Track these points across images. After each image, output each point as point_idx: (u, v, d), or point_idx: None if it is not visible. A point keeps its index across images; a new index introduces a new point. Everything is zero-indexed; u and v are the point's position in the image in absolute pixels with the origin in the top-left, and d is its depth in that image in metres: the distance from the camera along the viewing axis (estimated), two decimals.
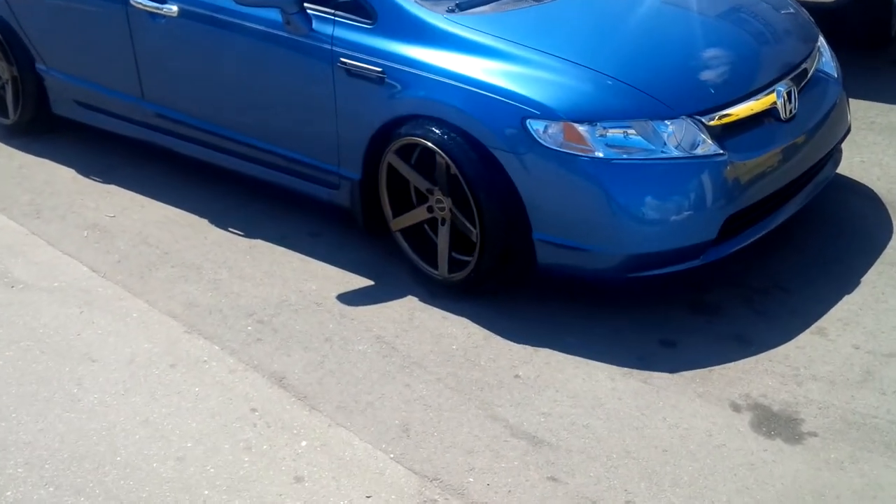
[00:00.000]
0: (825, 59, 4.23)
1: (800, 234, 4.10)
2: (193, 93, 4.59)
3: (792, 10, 4.39)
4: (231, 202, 4.72)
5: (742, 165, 3.56)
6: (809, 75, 4.01)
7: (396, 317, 3.80)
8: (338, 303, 3.90)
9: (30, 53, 5.27)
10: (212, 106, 4.54)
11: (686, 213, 3.51)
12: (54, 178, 5.07)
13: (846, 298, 3.73)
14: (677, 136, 3.47)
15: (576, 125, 3.44)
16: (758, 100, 3.70)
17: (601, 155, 3.42)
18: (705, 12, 4.10)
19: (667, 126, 3.47)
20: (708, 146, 3.50)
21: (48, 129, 5.50)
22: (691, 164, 3.48)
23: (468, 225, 3.74)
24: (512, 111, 3.50)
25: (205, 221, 4.58)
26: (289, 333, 3.72)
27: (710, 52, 3.84)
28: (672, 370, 3.44)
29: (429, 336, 3.68)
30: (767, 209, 3.80)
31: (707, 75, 3.74)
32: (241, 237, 4.43)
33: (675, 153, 3.46)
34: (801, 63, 3.96)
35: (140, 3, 4.49)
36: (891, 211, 4.34)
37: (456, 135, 3.64)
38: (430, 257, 3.97)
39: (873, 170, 4.68)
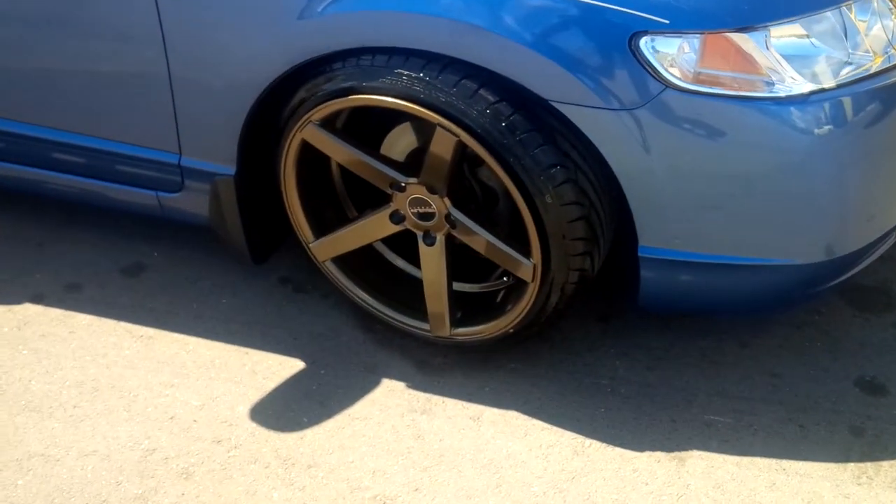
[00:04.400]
0: None
1: None
2: None
3: None
4: None
5: None
6: None
7: (390, 440, 1.99)
8: (261, 430, 2.01)
9: None
10: None
11: None
12: None
13: None
14: (882, 24, 1.85)
15: (734, 36, 1.71)
16: None
17: (793, 87, 1.73)
18: None
19: (867, 8, 1.83)
20: None
21: None
22: None
23: (509, 251, 1.95)
24: (608, 24, 1.71)
25: None
26: None
27: None
28: None
29: (472, 472, 1.93)
30: None
31: None
32: None
33: (878, 60, 1.84)
34: None
35: None
36: None
37: (477, 84, 1.80)
38: (399, 296, 2.17)
39: None
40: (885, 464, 1.94)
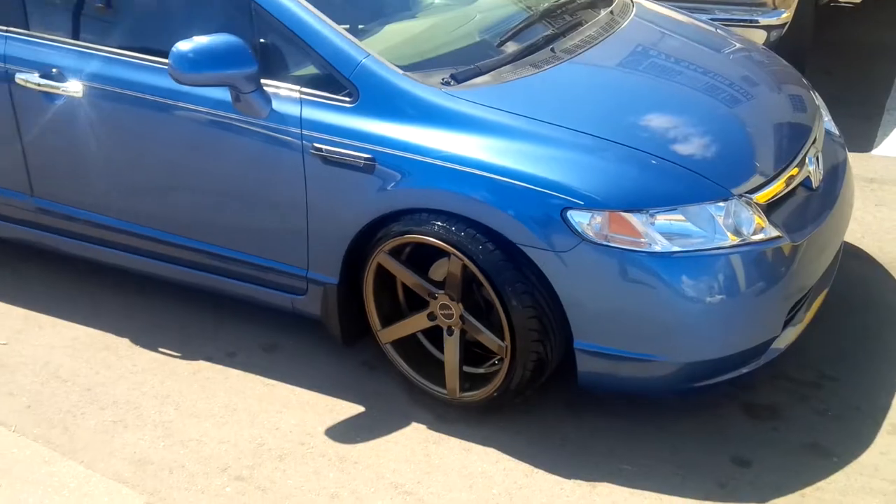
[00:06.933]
0: (826, 118, 3.85)
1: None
2: (99, 188, 3.74)
3: (791, 69, 4.00)
4: (153, 315, 3.88)
5: (800, 246, 3.08)
6: (822, 138, 3.62)
7: (408, 454, 3.10)
8: (329, 441, 3.17)
9: None
10: (129, 202, 3.70)
11: (758, 308, 3.00)
12: None
13: None
14: (732, 220, 2.95)
15: (625, 214, 2.87)
16: (794, 170, 3.24)
17: (659, 248, 2.86)
18: (718, 78, 3.61)
19: (721, 208, 2.95)
20: (767, 228, 3.00)
21: None
22: (755, 252, 2.97)
23: (492, 336, 3.10)
24: (549, 202, 2.90)
25: (125, 342, 3.73)
26: (282, 492, 2.96)
27: (741, 121, 3.38)
28: (762, 500, 2.90)
29: (457, 478, 3.00)
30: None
31: (747, 147, 3.26)
32: (178, 360, 3.61)
33: (735, 240, 2.94)
34: (816, 125, 3.55)
35: (29, 82, 3.63)
36: (890, 270, 4.00)
37: (475, 231, 3.01)
38: (430, 372, 3.31)
39: (853, 227, 4.32)
40: None
